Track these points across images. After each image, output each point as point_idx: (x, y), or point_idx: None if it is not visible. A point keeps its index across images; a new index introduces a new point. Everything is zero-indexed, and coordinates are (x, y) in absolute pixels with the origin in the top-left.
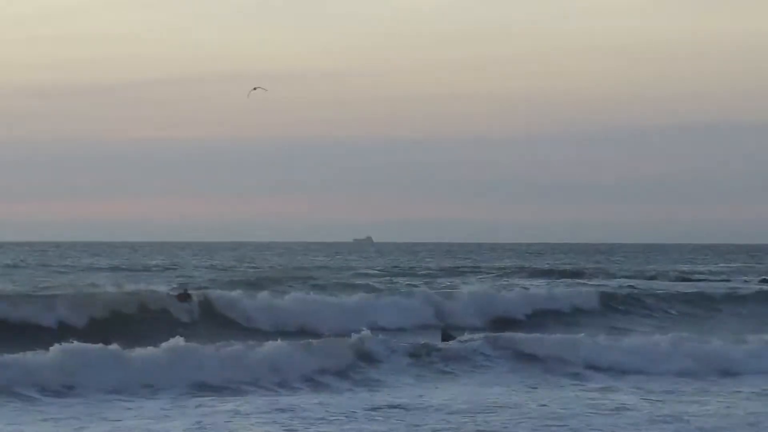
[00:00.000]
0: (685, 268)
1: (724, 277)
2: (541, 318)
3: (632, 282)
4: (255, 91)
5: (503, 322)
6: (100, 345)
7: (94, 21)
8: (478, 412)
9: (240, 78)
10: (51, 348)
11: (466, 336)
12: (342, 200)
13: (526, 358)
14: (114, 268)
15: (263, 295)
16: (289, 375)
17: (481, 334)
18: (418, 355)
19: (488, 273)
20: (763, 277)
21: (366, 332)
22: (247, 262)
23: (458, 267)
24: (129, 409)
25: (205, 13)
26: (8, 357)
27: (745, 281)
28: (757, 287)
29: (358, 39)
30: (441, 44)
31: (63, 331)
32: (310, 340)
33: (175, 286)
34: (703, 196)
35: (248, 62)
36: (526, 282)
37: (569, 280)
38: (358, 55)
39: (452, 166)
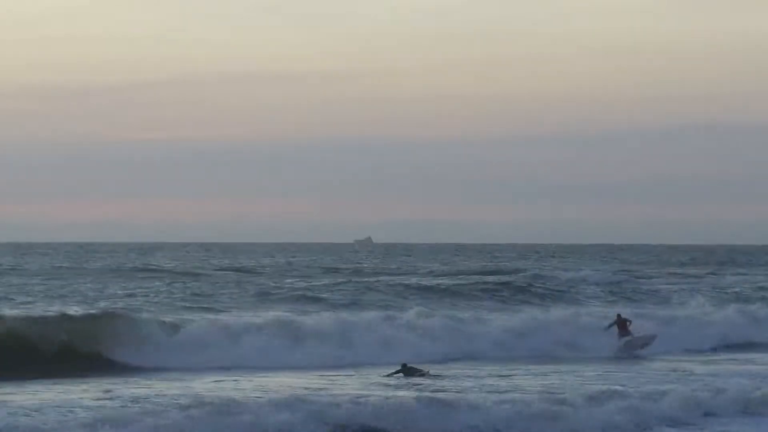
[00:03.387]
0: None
1: None
2: None
3: None
4: None
5: None
6: None
7: (94, 22)
8: None
9: (241, 78)
10: None
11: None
12: (342, 200)
13: None
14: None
15: None
16: None
17: None
18: None
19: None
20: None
21: None
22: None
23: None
24: None
25: (205, 14)
26: None
27: None
28: None
29: (359, 39)
30: (441, 45)
31: None
32: None
33: None
34: (703, 196)
35: (249, 62)
36: None
37: None
38: (358, 55)
39: (453, 166)
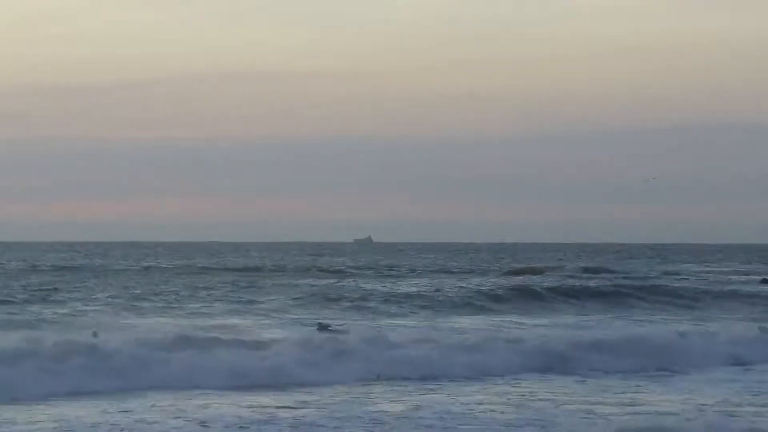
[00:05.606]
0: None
1: None
2: None
3: None
4: None
5: None
6: None
7: (93, 21)
8: None
9: (240, 78)
10: None
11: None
12: (342, 200)
13: None
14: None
15: None
16: None
17: None
18: None
19: None
20: (764, 277)
21: None
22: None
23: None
24: None
25: (204, 13)
26: None
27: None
28: None
29: (357, 39)
30: (440, 44)
31: None
32: None
33: None
34: (702, 197)
35: (248, 62)
36: None
37: None
38: (357, 55)
39: (453, 166)
